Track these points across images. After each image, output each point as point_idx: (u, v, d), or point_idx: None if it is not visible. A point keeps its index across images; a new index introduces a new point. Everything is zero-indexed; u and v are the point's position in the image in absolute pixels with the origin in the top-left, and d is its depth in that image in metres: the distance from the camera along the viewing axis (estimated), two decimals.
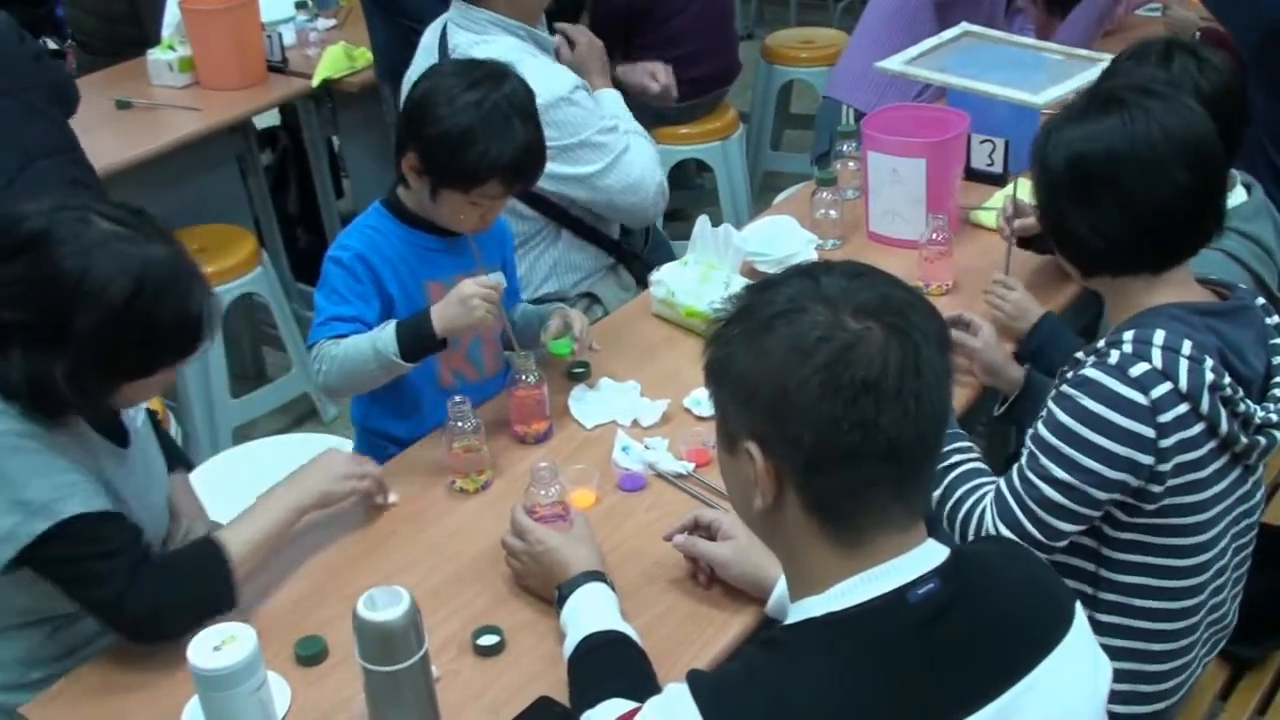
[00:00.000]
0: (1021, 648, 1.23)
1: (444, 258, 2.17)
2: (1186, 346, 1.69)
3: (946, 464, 1.95)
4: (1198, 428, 1.71)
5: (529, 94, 2.11)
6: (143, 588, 1.70)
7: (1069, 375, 1.77)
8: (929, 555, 1.23)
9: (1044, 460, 1.75)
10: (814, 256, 2.62)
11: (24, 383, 1.64)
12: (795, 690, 1.16)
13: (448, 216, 2.12)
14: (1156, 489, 1.73)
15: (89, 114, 3.72)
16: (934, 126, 2.73)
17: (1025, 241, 2.42)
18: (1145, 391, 1.68)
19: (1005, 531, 1.79)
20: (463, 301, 2.01)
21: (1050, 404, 1.77)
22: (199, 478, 2.21)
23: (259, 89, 3.93)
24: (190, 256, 1.74)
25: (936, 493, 1.93)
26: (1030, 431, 1.79)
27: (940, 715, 1.18)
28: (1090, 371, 1.73)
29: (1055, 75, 2.79)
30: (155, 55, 3.92)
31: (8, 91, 2.91)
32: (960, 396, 2.21)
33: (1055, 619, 1.27)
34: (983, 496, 1.86)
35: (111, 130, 3.65)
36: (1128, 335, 1.72)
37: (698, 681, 1.21)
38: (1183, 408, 1.69)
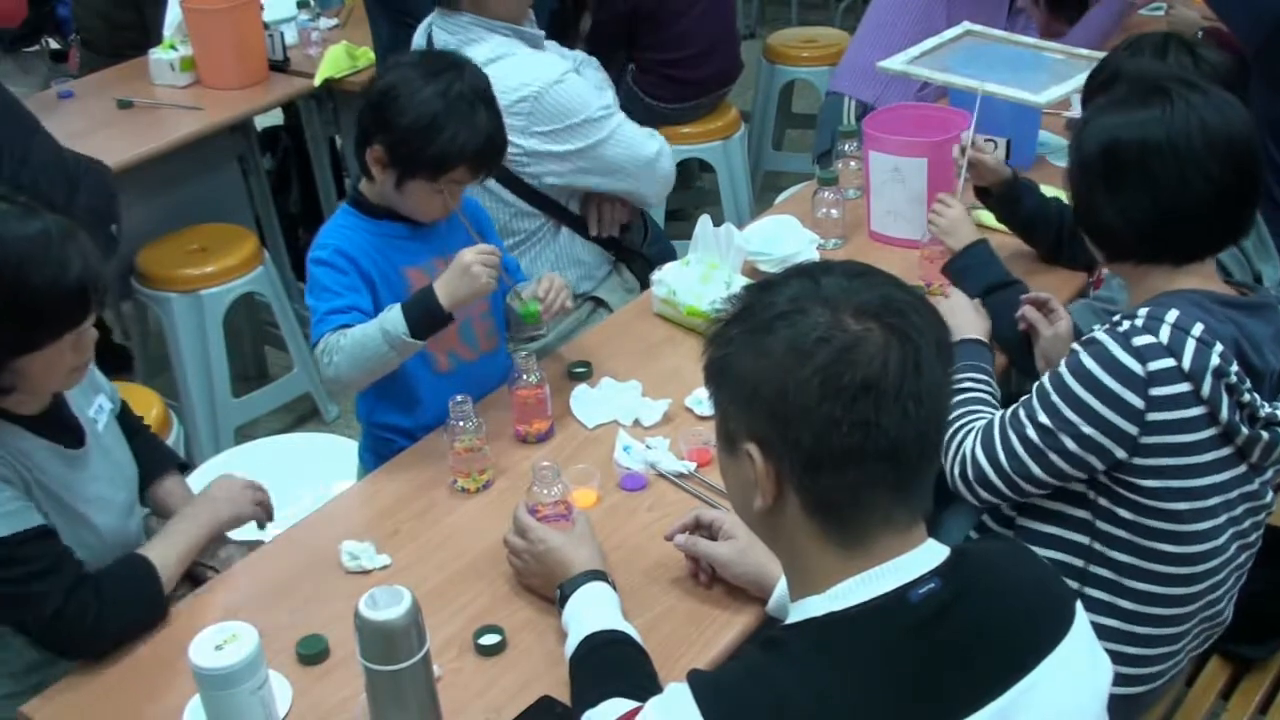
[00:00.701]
0: (1022, 647, 1.23)
1: (414, 244, 2.20)
2: (1197, 329, 1.70)
3: (956, 385, 2.03)
4: (1195, 410, 1.71)
5: (487, 81, 2.15)
6: (80, 605, 1.69)
7: (1082, 337, 1.81)
8: (930, 555, 1.23)
9: (1035, 402, 1.81)
10: (815, 256, 2.62)
11: None
12: (796, 690, 1.16)
13: (412, 206, 2.15)
14: (1141, 462, 1.74)
15: (90, 113, 3.74)
16: (935, 126, 2.73)
17: (983, 193, 2.51)
18: (1143, 362, 1.70)
19: (980, 456, 1.86)
20: (465, 271, 2.03)
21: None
22: (201, 477, 2.21)
23: (260, 88, 3.93)
24: (75, 227, 1.70)
25: None
26: (1037, 382, 1.84)
27: (941, 714, 1.18)
28: (1099, 334, 1.76)
29: (1056, 75, 2.79)
30: (157, 55, 3.92)
31: None
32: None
33: (1056, 618, 1.27)
34: (974, 422, 1.93)
35: (113, 130, 3.65)
36: (1143, 310, 1.75)
37: (698, 681, 1.21)
38: (1183, 387, 1.70)
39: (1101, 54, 2.86)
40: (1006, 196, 2.53)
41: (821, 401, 1.16)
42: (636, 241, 2.93)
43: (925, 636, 1.18)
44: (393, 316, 2.04)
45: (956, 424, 1.96)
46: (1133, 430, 1.72)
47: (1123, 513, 1.80)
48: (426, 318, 2.04)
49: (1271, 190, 2.79)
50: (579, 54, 2.91)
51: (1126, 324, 1.74)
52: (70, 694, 1.72)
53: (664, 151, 2.73)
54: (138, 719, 1.67)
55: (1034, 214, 2.54)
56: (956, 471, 1.89)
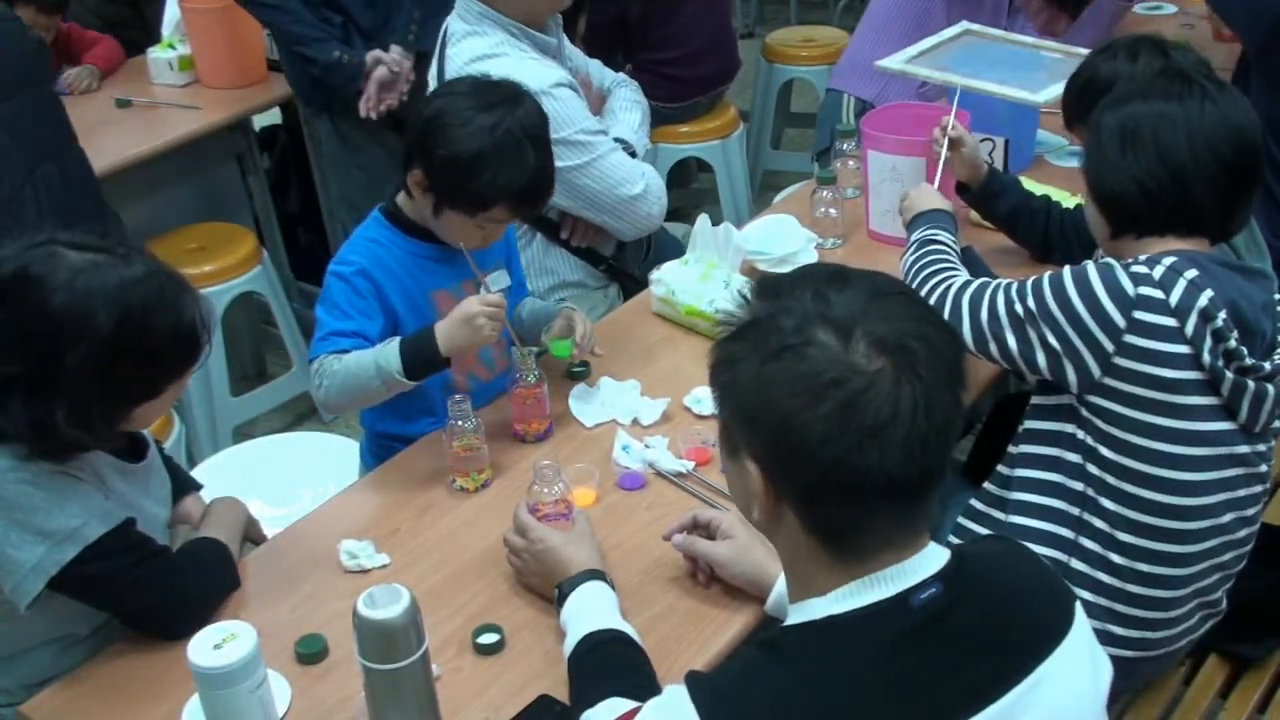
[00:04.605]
0: (1023, 648, 1.23)
1: (446, 266, 2.16)
2: (1191, 273, 1.75)
3: (933, 237, 2.19)
4: (1177, 347, 1.75)
5: (542, 118, 2.09)
6: (180, 587, 1.75)
7: None
8: (931, 559, 1.23)
9: (1029, 287, 1.88)
10: (814, 255, 2.62)
11: (29, 432, 1.62)
12: (794, 693, 1.16)
13: (449, 234, 2.10)
14: (1116, 385, 1.79)
15: (90, 113, 3.74)
16: (934, 125, 2.72)
17: (962, 189, 2.55)
18: (1135, 284, 1.77)
19: (964, 306, 1.96)
20: (468, 321, 1.99)
21: None
22: (201, 475, 2.21)
23: (259, 87, 3.94)
24: (170, 266, 1.71)
25: (910, 256, 2.17)
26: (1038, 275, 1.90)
27: (942, 717, 1.17)
28: (1108, 259, 1.84)
29: (1055, 74, 2.79)
30: (155, 54, 3.93)
31: (23, 89, 2.91)
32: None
33: (1056, 619, 1.27)
34: (953, 277, 2.06)
35: (112, 129, 3.65)
36: (1144, 255, 1.81)
37: (696, 683, 1.21)
38: (1166, 320, 1.75)
39: None
40: (985, 192, 2.56)
41: (824, 444, 1.14)
42: (632, 261, 2.87)
43: (926, 640, 1.18)
44: (389, 352, 2.01)
45: (936, 274, 2.08)
46: (1108, 345, 1.77)
47: (1116, 458, 1.83)
48: (422, 360, 2.01)
49: (1271, 188, 2.80)
50: (621, 76, 2.90)
51: (1130, 259, 1.81)
52: (70, 693, 1.72)
53: (650, 195, 2.63)
54: (137, 718, 1.67)
55: (1016, 209, 2.57)
56: None
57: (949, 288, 2.03)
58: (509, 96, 2.06)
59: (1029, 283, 1.89)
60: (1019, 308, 1.88)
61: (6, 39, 2.92)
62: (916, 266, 2.15)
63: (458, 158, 1.99)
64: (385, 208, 2.17)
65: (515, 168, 2.01)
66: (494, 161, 1.99)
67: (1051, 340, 1.83)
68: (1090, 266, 1.81)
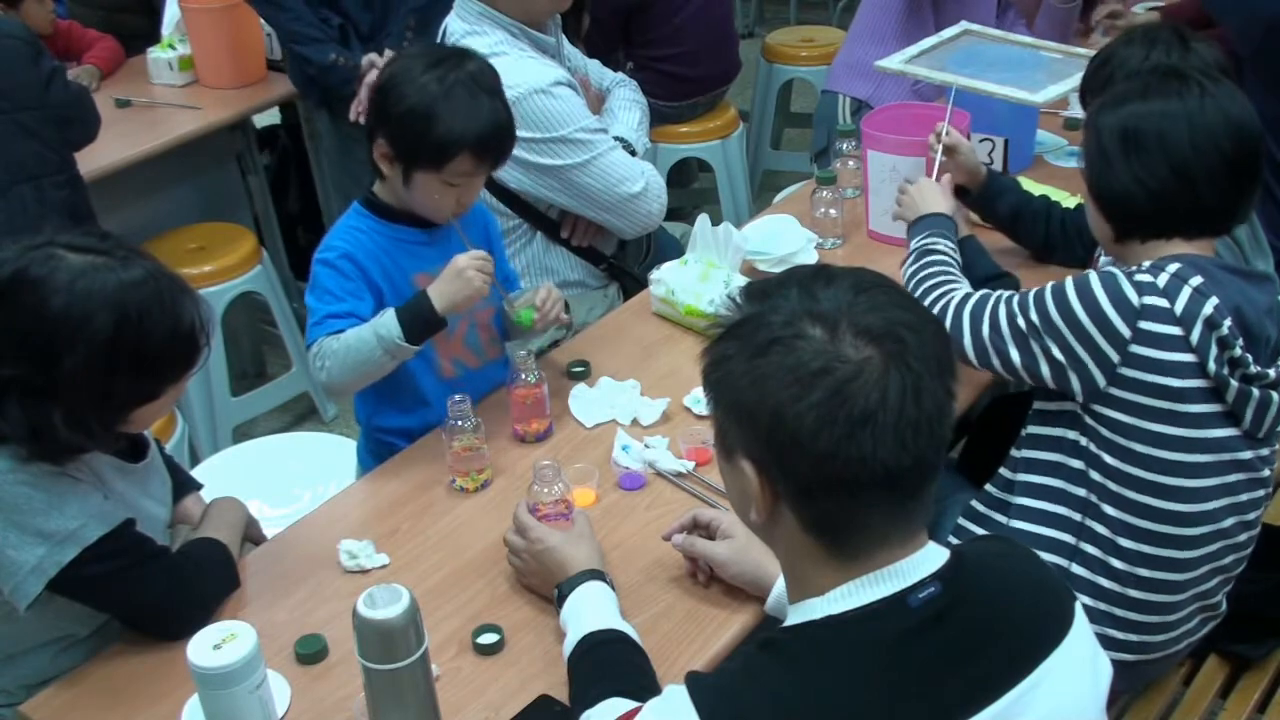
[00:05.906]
0: (1023, 648, 1.23)
1: (426, 249, 2.18)
2: (1195, 280, 1.75)
3: (931, 246, 2.19)
4: (1183, 356, 1.75)
5: (493, 73, 2.13)
6: (182, 586, 1.75)
7: None
8: (930, 559, 1.22)
9: (1031, 299, 1.88)
10: (814, 255, 2.63)
11: (26, 435, 1.62)
12: (794, 694, 1.16)
13: (423, 201, 2.12)
14: (1120, 395, 1.78)
15: None
16: (934, 125, 2.72)
17: (962, 192, 2.54)
18: (1140, 294, 1.76)
19: (965, 320, 1.96)
20: (459, 275, 2.03)
21: None
22: (201, 475, 2.21)
23: (259, 87, 3.94)
24: (170, 269, 1.71)
25: (910, 267, 2.17)
26: (1040, 287, 1.90)
27: (942, 717, 1.17)
28: (1111, 267, 1.84)
29: (1054, 74, 2.79)
30: (155, 54, 3.93)
31: (12, 109, 2.92)
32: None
33: (1056, 619, 1.27)
34: (954, 289, 2.06)
35: (111, 129, 3.63)
36: (1148, 262, 1.81)
37: (696, 683, 1.21)
38: (1172, 329, 1.74)
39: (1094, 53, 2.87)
40: (984, 194, 2.56)
41: (817, 435, 1.14)
42: (631, 261, 2.87)
43: (925, 639, 1.18)
44: (386, 320, 2.03)
45: (937, 287, 2.08)
46: (1113, 355, 1.77)
47: (1119, 464, 1.82)
48: (420, 322, 2.04)
49: (1270, 187, 2.80)
50: (620, 75, 2.90)
51: (1135, 267, 1.81)
52: (69, 693, 1.72)
53: (650, 193, 2.65)
54: (137, 718, 1.67)
55: (1017, 210, 2.56)
56: None
57: (949, 301, 2.02)
58: (455, 53, 2.12)
59: (1030, 295, 1.88)
60: (1021, 321, 1.87)
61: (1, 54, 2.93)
62: (916, 278, 2.15)
63: (412, 110, 2.03)
64: (364, 198, 2.20)
65: (469, 114, 2.04)
66: (447, 110, 2.03)
67: (1056, 353, 1.82)
68: (1093, 276, 1.80)
